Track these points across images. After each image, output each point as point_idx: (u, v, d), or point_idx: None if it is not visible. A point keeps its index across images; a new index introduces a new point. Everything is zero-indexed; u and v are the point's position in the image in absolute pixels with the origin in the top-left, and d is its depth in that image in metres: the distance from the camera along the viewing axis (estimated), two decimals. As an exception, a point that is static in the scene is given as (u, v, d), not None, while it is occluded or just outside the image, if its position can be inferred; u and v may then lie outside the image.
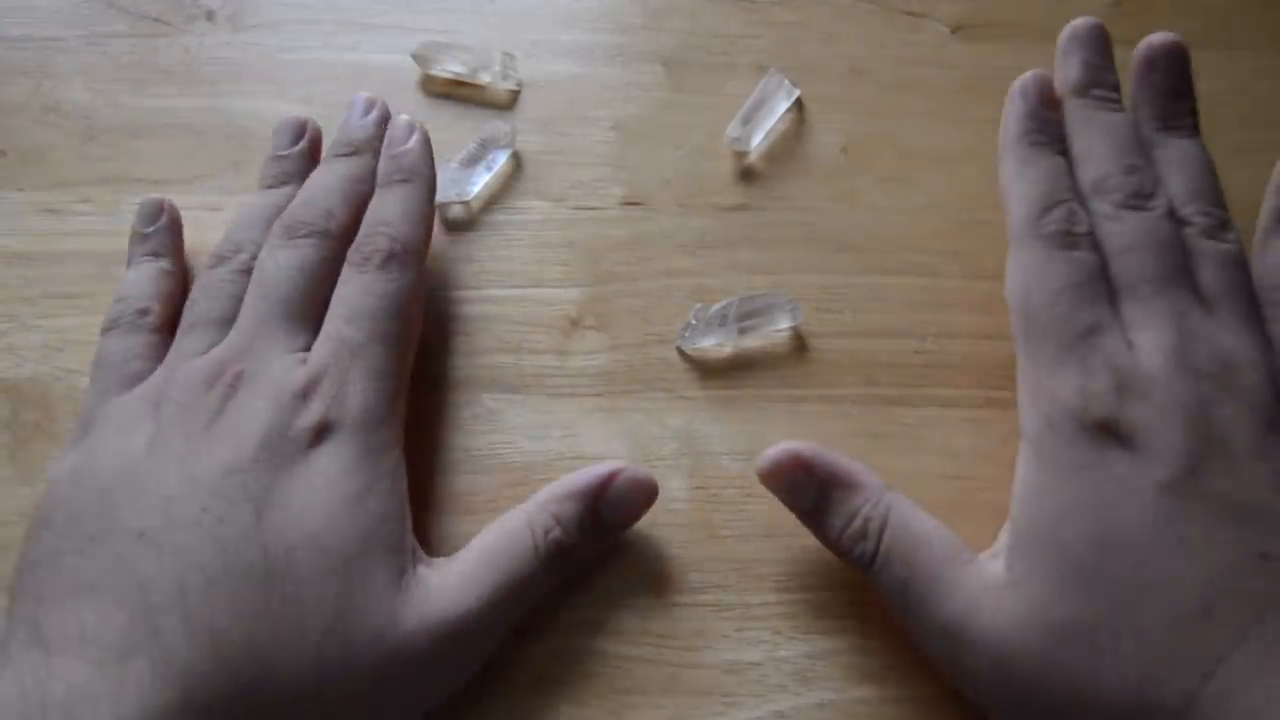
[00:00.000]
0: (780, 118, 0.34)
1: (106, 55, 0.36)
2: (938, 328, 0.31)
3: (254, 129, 0.35)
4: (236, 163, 0.34)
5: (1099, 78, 0.30)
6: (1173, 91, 0.30)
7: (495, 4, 0.37)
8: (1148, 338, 0.25)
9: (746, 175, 0.34)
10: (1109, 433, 0.24)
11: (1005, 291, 0.28)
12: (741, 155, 0.34)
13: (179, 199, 0.32)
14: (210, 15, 0.37)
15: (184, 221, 0.32)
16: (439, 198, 0.33)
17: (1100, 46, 0.30)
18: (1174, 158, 0.29)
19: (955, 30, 0.37)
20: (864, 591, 0.28)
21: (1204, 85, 0.36)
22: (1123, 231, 0.27)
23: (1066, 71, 0.30)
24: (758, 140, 0.34)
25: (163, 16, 0.37)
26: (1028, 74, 0.30)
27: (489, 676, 0.27)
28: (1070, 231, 0.27)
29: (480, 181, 0.33)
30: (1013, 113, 0.30)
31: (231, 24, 0.37)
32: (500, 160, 0.34)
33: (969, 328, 0.32)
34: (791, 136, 0.35)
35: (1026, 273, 0.27)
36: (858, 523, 0.26)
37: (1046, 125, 0.29)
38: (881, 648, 0.27)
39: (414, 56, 0.35)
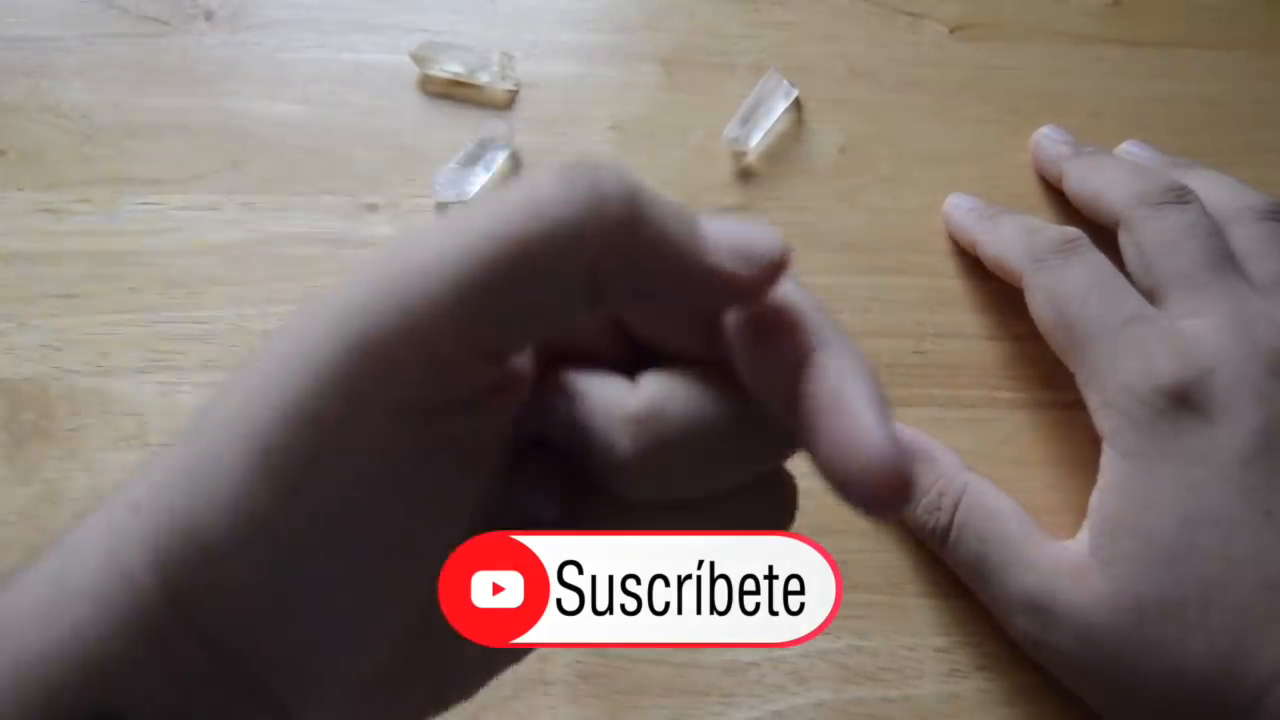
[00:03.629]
0: (779, 118, 0.34)
1: (105, 55, 0.36)
2: (936, 328, 0.31)
3: (252, 129, 0.35)
4: (235, 162, 0.34)
5: None
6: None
7: (494, 4, 0.37)
8: (1202, 323, 0.25)
9: (745, 175, 0.34)
10: (1183, 404, 0.24)
11: (1038, 323, 0.28)
12: (740, 155, 0.34)
13: (178, 199, 0.32)
14: (209, 15, 0.37)
15: (183, 222, 0.32)
16: (437, 197, 0.33)
17: None
18: (1201, 184, 0.29)
19: (954, 31, 0.37)
20: (862, 593, 0.28)
21: (1205, 86, 0.36)
22: (1165, 228, 0.27)
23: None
24: (756, 140, 0.34)
25: (161, 16, 0.37)
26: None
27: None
28: (1069, 240, 0.27)
29: (478, 181, 0.33)
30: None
31: (230, 24, 0.37)
32: (498, 160, 0.34)
33: (968, 328, 0.31)
34: (790, 137, 0.35)
35: (1046, 291, 0.27)
36: (932, 495, 0.27)
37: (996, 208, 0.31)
38: (878, 649, 0.27)
39: (412, 56, 0.35)
